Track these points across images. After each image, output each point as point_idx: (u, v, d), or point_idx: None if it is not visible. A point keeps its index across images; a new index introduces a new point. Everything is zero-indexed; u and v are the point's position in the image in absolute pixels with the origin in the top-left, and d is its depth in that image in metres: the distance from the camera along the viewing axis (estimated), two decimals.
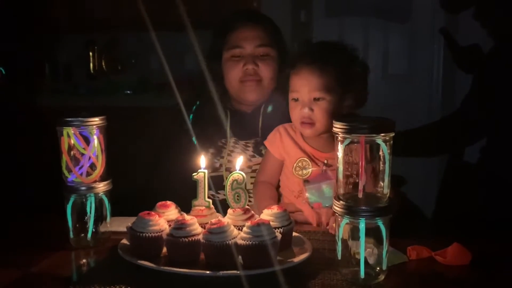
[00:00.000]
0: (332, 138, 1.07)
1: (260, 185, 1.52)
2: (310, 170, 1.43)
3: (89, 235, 1.27)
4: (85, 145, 1.24)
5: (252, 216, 1.18)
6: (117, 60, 3.77)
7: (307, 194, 1.42)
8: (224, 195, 1.20)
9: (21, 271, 1.13)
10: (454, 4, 2.25)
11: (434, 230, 1.45)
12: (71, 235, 1.27)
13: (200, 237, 1.08)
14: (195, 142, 1.69)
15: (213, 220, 1.10)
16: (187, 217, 1.12)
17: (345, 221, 1.04)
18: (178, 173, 1.56)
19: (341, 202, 1.04)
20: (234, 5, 3.12)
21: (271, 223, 1.12)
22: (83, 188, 1.24)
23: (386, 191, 1.05)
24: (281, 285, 1.02)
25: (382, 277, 1.05)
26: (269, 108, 1.69)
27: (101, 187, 1.26)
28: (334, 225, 1.16)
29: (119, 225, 1.27)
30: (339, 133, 1.04)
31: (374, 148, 1.04)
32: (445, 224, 1.51)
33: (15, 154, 3.03)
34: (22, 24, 3.44)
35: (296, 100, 1.40)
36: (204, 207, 1.20)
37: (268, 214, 1.18)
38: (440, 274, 1.11)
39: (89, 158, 1.25)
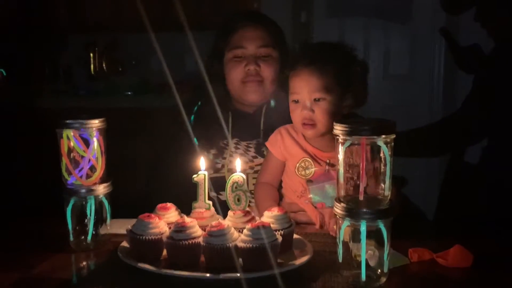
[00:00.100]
0: (334, 137, 1.07)
1: (261, 186, 1.52)
2: (312, 170, 1.43)
3: (89, 237, 1.26)
4: (85, 148, 1.24)
5: (252, 218, 1.18)
6: (118, 61, 3.76)
7: (310, 194, 1.42)
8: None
9: (21, 273, 1.13)
10: (454, 5, 2.25)
11: (436, 231, 1.44)
12: (71, 238, 1.27)
13: (200, 239, 1.08)
14: (197, 142, 1.69)
15: (213, 223, 1.09)
16: (187, 219, 1.11)
17: (346, 223, 1.04)
18: (179, 174, 1.55)
19: (342, 204, 1.04)
20: (235, 6, 3.13)
21: (271, 225, 1.11)
22: (83, 190, 1.24)
23: (387, 193, 1.05)
24: None
25: (383, 279, 1.05)
26: (272, 103, 1.68)
27: (101, 189, 1.26)
28: (335, 227, 1.16)
29: (119, 227, 1.27)
30: (340, 135, 1.03)
31: (375, 150, 1.03)
32: (446, 225, 1.51)
33: (15, 156, 3.03)
34: (23, 25, 3.44)
35: (296, 101, 1.39)
36: (204, 209, 1.19)
37: (269, 216, 1.17)
38: (442, 277, 1.10)
39: (89, 160, 1.25)
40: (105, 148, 1.28)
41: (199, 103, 1.76)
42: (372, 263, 1.04)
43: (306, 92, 1.37)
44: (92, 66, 3.74)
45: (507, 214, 1.80)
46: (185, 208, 1.23)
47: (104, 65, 3.76)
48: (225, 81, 1.72)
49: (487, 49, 2.10)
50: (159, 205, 1.22)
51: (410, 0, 3.50)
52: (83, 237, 1.26)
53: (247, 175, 1.63)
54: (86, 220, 1.26)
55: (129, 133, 2.99)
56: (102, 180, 1.27)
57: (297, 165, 1.45)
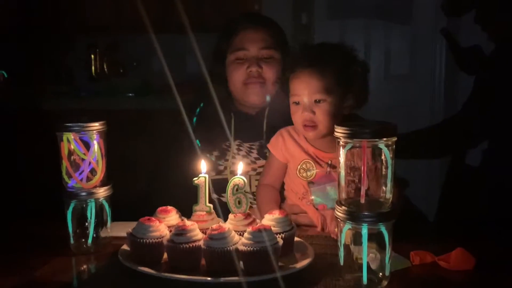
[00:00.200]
0: (335, 138, 1.06)
1: (263, 189, 1.51)
2: (314, 171, 1.43)
3: (90, 240, 1.26)
4: (85, 150, 1.24)
5: (253, 221, 1.17)
6: (119, 63, 3.76)
7: (312, 196, 1.42)
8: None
9: (21, 276, 1.13)
10: (454, 8, 2.24)
11: (437, 234, 1.44)
12: (72, 241, 1.27)
13: (201, 243, 1.07)
14: (199, 144, 1.68)
15: (214, 226, 1.09)
16: (187, 222, 1.11)
17: (347, 226, 1.03)
18: (180, 177, 1.55)
19: (343, 207, 1.03)
20: (236, 7, 3.13)
21: (272, 228, 1.11)
22: (84, 193, 1.24)
23: (389, 196, 1.04)
24: None
25: (385, 282, 1.04)
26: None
27: (102, 192, 1.26)
28: (336, 229, 1.16)
29: (120, 230, 1.26)
30: (341, 137, 1.03)
31: (376, 152, 1.03)
32: (448, 228, 1.50)
33: (16, 158, 3.03)
34: (24, 27, 3.44)
35: (297, 103, 1.39)
36: (205, 212, 1.19)
37: (270, 219, 1.17)
38: (444, 279, 1.10)
39: (89, 163, 1.24)
40: (106, 151, 1.28)
41: (201, 105, 1.76)
42: (373, 266, 1.04)
43: (307, 94, 1.36)
44: (93, 67, 3.74)
45: (509, 216, 1.79)
46: (187, 211, 1.23)
47: (105, 67, 3.76)
48: (227, 83, 1.72)
49: (488, 50, 2.09)
50: (160, 208, 1.22)
51: (410, 1, 3.50)
52: (83, 240, 1.26)
53: (249, 177, 1.62)
54: (86, 223, 1.26)
55: (130, 135, 2.99)
56: (103, 183, 1.27)
57: (299, 167, 1.44)
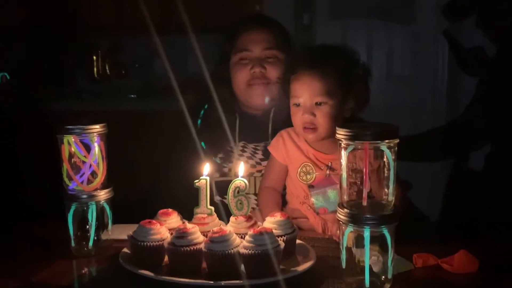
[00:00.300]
0: (335, 139, 1.05)
1: (264, 191, 1.51)
2: (314, 175, 1.42)
3: (91, 243, 1.26)
4: (86, 153, 1.23)
5: (254, 223, 1.17)
6: (121, 64, 3.77)
7: (312, 199, 1.42)
8: None
9: (21, 280, 1.12)
10: (454, 12, 2.24)
11: (440, 236, 1.42)
12: (73, 244, 1.26)
13: (202, 246, 1.07)
14: (204, 147, 1.68)
15: (215, 229, 1.08)
16: (188, 225, 1.10)
17: (349, 229, 1.02)
18: (182, 179, 1.54)
19: (345, 210, 1.02)
20: (237, 8, 3.13)
21: (274, 231, 1.10)
22: (84, 196, 1.23)
23: (391, 198, 1.03)
24: None
25: (387, 285, 1.03)
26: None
27: (102, 195, 1.25)
28: (338, 232, 1.15)
29: (121, 232, 1.26)
30: (343, 139, 1.02)
31: (378, 154, 1.02)
32: (451, 230, 1.49)
33: (17, 160, 3.04)
34: (26, 29, 3.45)
35: (297, 105, 1.38)
36: (206, 215, 1.18)
37: (271, 222, 1.16)
38: (447, 282, 1.09)
39: (90, 165, 1.24)
40: (106, 153, 1.27)
41: (206, 106, 1.75)
42: (376, 269, 1.03)
43: (308, 96, 1.36)
44: (95, 69, 3.75)
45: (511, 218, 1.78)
46: (188, 213, 1.22)
47: (107, 68, 3.77)
48: (231, 84, 1.71)
49: (491, 52, 2.08)
50: (161, 211, 1.21)
51: (413, 1, 3.49)
52: (84, 243, 1.26)
53: (254, 178, 1.62)
54: (87, 226, 1.25)
55: (132, 137, 2.99)
56: (104, 186, 1.27)
57: (299, 170, 1.44)
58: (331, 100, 1.35)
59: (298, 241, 1.20)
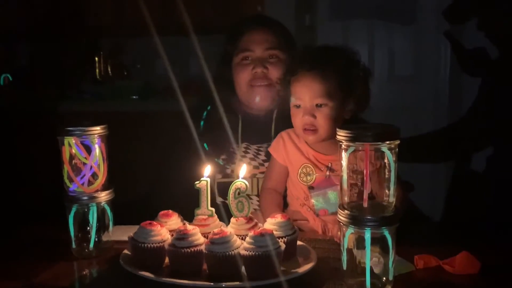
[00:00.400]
0: (335, 140, 1.05)
1: (266, 192, 1.51)
2: (314, 176, 1.42)
3: (91, 244, 1.26)
4: (87, 154, 1.23)
5: (255, 225, 1.16)
6: (123, 65, 3.77)
7: (312, 201, 1.41)
8: None
9: (22, 281, 1.12)
10: (456, 15, 2.23)
11: (442, 237, 1.42)
12: (73, 245, 1.26)
13: (203, 247, 1.06)
14: (207, 148, 1.68)
15: (216, 230, 1.08)
16: (189, 227, 1.10)
17: (350, 230, 1.02)
18: (184, 180, 1.54)
19: (345, 211, 1.02)
20: (239, 9, 3.12)
21: (274, 232, 1.10)
22: (85, 198, 1.23)
23: (392, 199, 1.03)
24: None
25: (388, 287, 1.03)
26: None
27: (103, 196, 1.25)
28: (339, 233, 1.14)
29: (122, 234, 1.26)
30: (343, 141, 1.02)
31: (379, 156, 1.01)
32: (452, 231, 1.49)
33: (19, 161, 3.04)
34: (28, 30, 3.45)
35: (298, 106, 1.38)
36: (207, 216, 1.18)
37: (272, 223, 1.16)
38: (448, 284, 1.08)
39: (91, 167, 1.24)
40: (107, 155, 1.27)
41: (208, 108, 1.75)
42: (377, 271, 1.02)
43: (308, 98, 1.35)
44: (97, 70, 3.75)
45: None
46: (189, 214, 1.22)
47: (109, 69, 3.77)
48: (234, 85, 1.71)
49: (493, 53, 2.08)
50: (161, 212, 1.21)
51: (414, 1, 3.48)
52: (85, 244, 1.26)
53: (257, 180, 1.61)
54: (88, 227, 1.25)
55: (134, 138, 2.99)
56: (104, 187, 1.27)
57: (299, 171, 1.43)
58: (331, 102, 1.35)
59: (299, 242, 1.20)
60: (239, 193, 1.16)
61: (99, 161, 1.25)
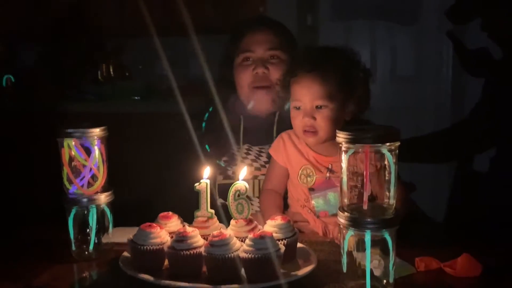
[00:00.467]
0: (335, 142, 1.05)
1: (266, 194, 1.50)
2: (314, 177, 1.41)
3: (91, 247, 1.25)
4: (86, 156, 1.23)
5: (255, 227, 1.16)
6: (125, 66, 3.77)
7: (313, 202, 1.41)
8: None
9: (22, 283, 1.12)
10: (459, 16, 2.22)
11: (443, 239, 1.41)
12: (73, 247, 1.26)
13: (202, 249, 1.06)
14: (208, 149, 1.67)
15: (215, 232, 1.08)
16: (188, 229, 1.10)
17: (350, 233, 1.01)
18: (185, 181, 1.53)
19: (345, 213, 1.01)
20: (241, 10, 3.12)
21: (274, 234, 1.10)
22: (85, 199, 1.23)
23: (392, 201, 1.02)
24: None
25: None
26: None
27: (103, 198, 1.25)
28: (339, 235, 1.14)
29: (122, 236, 1.25)
30: (343, 142, 1.01)
31: (379, 157, 1.01)
32: (454, 232, 1.48)
33: (18, 161, 3.04)
34: (29, 31, 3.46)
35: (298, 108, 1.38)
36: (206, 218, 1.18)
37: (272, 225, 1.15)
38: (450, 286, 1.08)
39: (90, 169, 1.23)
40: (107, 156, 1.27)
41: (210, 109, 1.74)
42: (377, 273, 1.02)
43: (308, 100, 1.35)
44: (99, 71, 3.75)
45: None
46: (189, 216, 1.22)
47: (111, 70, 3.77)
48: (235, 86, 1.71)
49: (496, 53, 2.07)
50: (161, 214, 1.21)
51: (416, 2, 3.47)
52: (85, 246, 1.25)
53: (259, 181, 1.61)
54: (88, 229, 1.25)
55: (135, 139, 2.98)
56: (104, 189, 1.26)
57: (299, 172, 1.43)
58: (331, 104, 1.34)
59: (299, 244, 1.19)
60: (239, 195, 1.16)
61: (99, 163, 1.25)
